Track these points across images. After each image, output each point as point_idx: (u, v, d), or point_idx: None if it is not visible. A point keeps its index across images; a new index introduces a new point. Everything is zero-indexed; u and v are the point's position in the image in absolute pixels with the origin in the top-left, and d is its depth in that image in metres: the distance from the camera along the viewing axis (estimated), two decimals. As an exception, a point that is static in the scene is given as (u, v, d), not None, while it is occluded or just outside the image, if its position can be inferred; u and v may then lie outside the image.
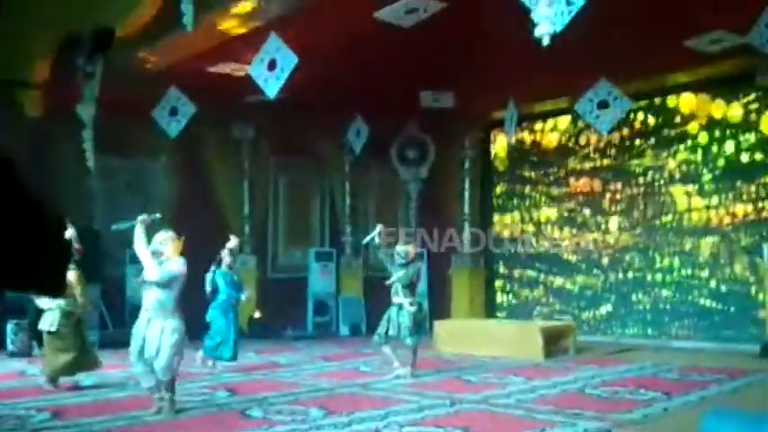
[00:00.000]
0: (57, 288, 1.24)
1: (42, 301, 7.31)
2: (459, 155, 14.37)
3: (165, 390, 6.01)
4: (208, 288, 8.76)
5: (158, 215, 6.37)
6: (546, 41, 5.26)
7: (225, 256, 8.96)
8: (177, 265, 6.01)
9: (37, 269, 1.17)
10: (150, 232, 6.15)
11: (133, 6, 8.84)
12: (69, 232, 7.14)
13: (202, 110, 10.90)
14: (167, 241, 6.10)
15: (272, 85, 8.74)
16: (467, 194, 14.32)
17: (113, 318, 11.49)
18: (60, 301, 7.18)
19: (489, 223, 14.38)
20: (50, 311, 7.28)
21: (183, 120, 10.95)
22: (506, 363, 9.25)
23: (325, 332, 13.55)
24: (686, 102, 11.77)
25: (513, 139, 13.17)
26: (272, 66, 8.67)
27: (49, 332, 7.26)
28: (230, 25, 9.24)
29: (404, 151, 14.61)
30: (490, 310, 14.05)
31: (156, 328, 5.90)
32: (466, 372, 8.56)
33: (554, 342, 9.98)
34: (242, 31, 9.27)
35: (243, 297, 9.04)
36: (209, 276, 8.79)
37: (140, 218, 6.14)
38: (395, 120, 13.84)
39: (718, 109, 11.38)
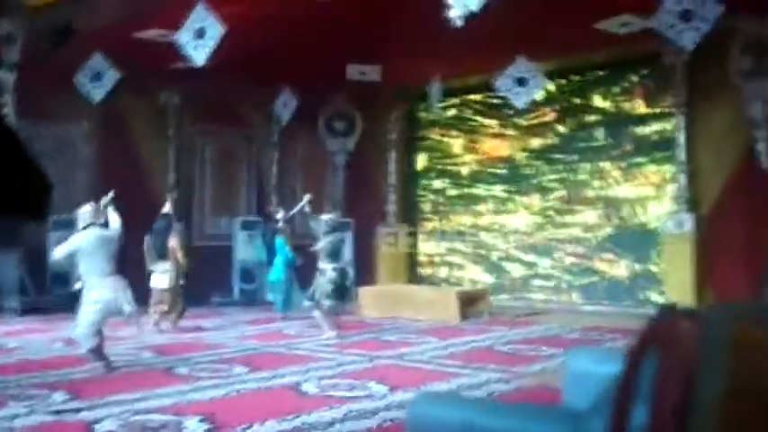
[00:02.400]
0: (41, 214, 1.38)
1: (157, 266, 9.00)
2: (385, 127, 14.71)
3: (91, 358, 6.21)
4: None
5: (111, 194, 6.79)
6: (459, 23, 5.59)
7: (281, 224, 10.61)
8: (72, 240, 6.32)
9: (21, 194, 1.32)
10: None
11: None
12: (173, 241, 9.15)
13: (127, 76, 10.84)
14: (79, 216, 6.46)
15: (199, 53, 8.83)
16: (392, 166, 14.70)
17: (35, 284, 11.40)
18: (167, 265, 8.97)
19: (414, 194, 14.85)
20: (166, 273, 8.94)
21: (106, 85, 10.88)
22: (425, 325, 9.75)
23: (252, 299, 13.77)
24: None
25: (438, 114, 13.65)
26: (199, 34, 8.77)
27: (168, 288, 8.90)
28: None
29: (331, 123, 14.84)
30: (413, 277, 14.57)
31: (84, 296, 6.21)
32: (385, 333, 9.03)
33: (470, 305, 10.55)
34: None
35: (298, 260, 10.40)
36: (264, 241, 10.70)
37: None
38: (323, 92, 14.03)
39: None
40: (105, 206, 6.63)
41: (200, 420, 4.48)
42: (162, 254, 9.15)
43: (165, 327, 9.04)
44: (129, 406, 4.88)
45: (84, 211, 6.40)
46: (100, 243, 6.20)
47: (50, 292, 11.36)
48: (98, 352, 6.22)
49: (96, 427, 4.35)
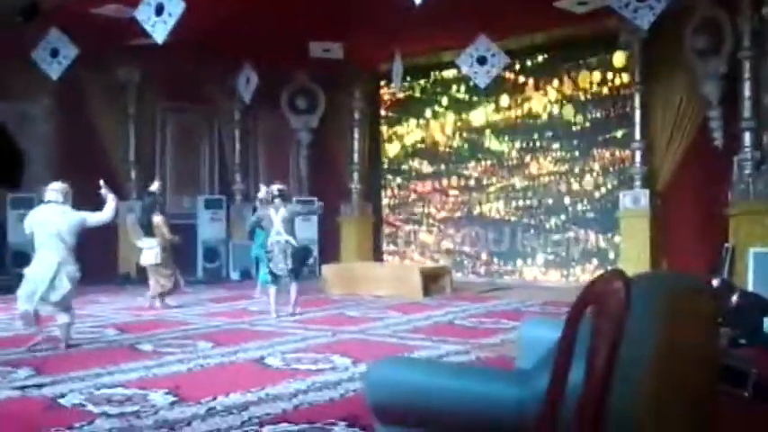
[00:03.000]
0: (14, 180, 1.44)
1: (143, 243, 9.21)
2: (349, 105, 14.70)
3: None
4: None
5: (102, 183, 6.88)
6: (418, 1, 5.65)
7: (258, 202, 10.40)
8: (30, 214, 6.56)
9: None
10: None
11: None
12: (158, 219, 9.28)
13: (86, 52, 10.68)
14: (47, 191, 6.59)
15: (159, 30, 8.74)
16: (356, 144, 14.73)
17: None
18: (153, 241, 9.10)
19: (378, 172, 14.93)
20: (152, 249, 9.08)
21: (64, 61, 10.70)
22: (388, 301, 9.89)
23: (216, 278, 13.77)
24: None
25: (400, 91, 13.71)
26: (159, 10, 8.67)
27: (156, 264, 9.06)
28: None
29: (294, 100, 14.78)
30: (377, 254, 14.70)
31: None
32: (349, 309, 9.14)
33: (433, 282, 10.71)
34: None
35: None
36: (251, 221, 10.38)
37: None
38: (285, 68, 13.98)
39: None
40: (105, 195, 6.78)
41: (166, 393, 4.55)
42: (148, 231, 9.28)
43: (158, 304, 9.24)
44: (93, 381, 4.92)
45: (52, 188, 6.44)
46: (48, 219, 6.23)
47: (9, 271, 11.22)
48: (29, 318, 6.23)
49: (61, 401, 4.39)
